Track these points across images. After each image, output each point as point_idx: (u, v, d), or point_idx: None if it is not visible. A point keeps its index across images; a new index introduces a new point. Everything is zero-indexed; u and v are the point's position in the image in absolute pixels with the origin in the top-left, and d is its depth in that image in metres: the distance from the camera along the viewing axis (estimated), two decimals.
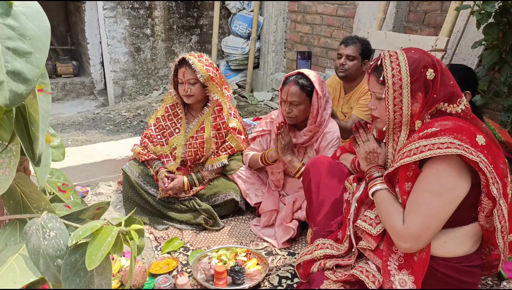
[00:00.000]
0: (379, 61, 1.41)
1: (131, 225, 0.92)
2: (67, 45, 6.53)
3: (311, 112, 2.04)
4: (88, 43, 5.65)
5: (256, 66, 5.58)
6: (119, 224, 0.89)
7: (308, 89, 2.01)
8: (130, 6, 5.09)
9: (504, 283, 1.56)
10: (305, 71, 2.06)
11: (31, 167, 1.01)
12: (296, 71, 2.07)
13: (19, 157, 0.82)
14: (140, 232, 0.92)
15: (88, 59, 5.81)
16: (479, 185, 1.29)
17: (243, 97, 5.28)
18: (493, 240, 1.38)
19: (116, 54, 5.18)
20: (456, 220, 1.32)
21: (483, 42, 2.35)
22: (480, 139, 1.28)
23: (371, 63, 1.46)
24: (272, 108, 4.91)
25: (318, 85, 2.02)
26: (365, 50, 2.54)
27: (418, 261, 1.31)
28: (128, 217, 0.92)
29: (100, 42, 5.50)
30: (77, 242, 0.82)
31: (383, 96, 1.38)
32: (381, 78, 1.37)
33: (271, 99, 5.17)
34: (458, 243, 1.35)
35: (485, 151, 1.26)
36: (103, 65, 5.69)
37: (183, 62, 2.24)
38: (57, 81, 5.86)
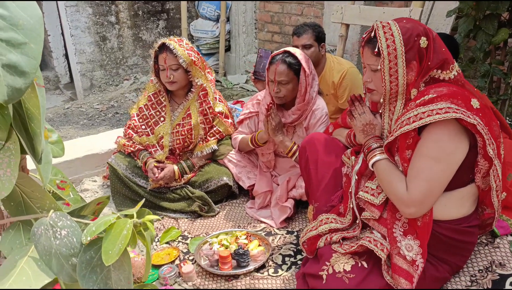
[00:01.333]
0: (372, 33, 1.41)
1: (145, 216, 0.90)
2: None
3: (299, 90, 2.04)
4: (49, 35, 5.37)
5: (228, 48, 5.50)
6: (131, 217, 0.87)
7: (295, 67, 1.99)
8: None
9: (498, 239, 1.64)
10: (291, 49, 2.04)
11: (29, 166, 0.96)
12: (282, 50, 2.05)
13: (19, 156, 0.78)
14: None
15: (50, 52, 5.53)
16: (475, 148, 1.34)
17: (218, 81, 5.21)
18: (487, 200, 1.45)
19: (81, 45, 4.96)
20: (455, 182, 1.36)
21: (457, 10, 2.41)
22: (475, 103, 1.32)
23: (364, 36, 1.46)
24: (248, 90, 4.88)
25: (305, 63, 2.01)
26: (319, 34, 2.51)
27: (422, 225, 1.36)
28: (138, 209, 0.90)
29: (62, 33, 5.23)
30: (91, 238, 0.80)
31: (379, 67, 1.39)
32: (376, 50, 1.38)
33: (246, 82, 5.13)
34: (458, 205, 1.41)
35: (480, 114, 1.30)
36: (67, 57, 5.43)
37: (163, 47, 2.17)
38: None
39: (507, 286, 1.43)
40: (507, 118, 2.50)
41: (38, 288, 0.74)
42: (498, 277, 1.48)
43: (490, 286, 1.46)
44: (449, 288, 1.50)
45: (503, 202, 1.63)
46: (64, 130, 3.87)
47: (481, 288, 1.46)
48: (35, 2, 0.67)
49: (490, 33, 2.28)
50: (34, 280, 0.77)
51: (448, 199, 1.39)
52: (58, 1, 4.81)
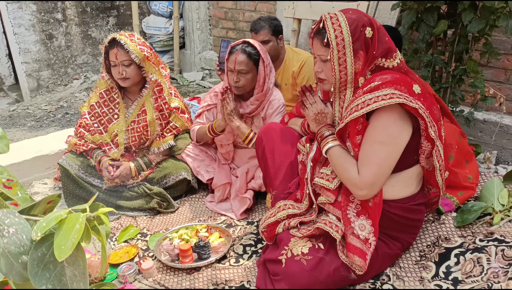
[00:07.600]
0: (321, 24, 1.46)
1: (99, 209, 0.89)
2: None
3: (258, 80, 2.06)
4: None
5: (182, 45, 5.43)
6: (84, 211, 0.85)
7: (255, 57, 2.02)
8: None
9: (443, 216, 1.76)
10: (250, 40, 2.07)
11: None
12: (241, 40, 2.07)
13: None
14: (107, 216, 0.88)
15: None
16: (418, 130, 1.43)
17: (173, 79, 5.13)
18: (432, 179, 1.55)
19: (25, 44, 4.69)
20: (401, 164, 1.45)
21: (401, 4, 2.54)
22: (416, 88, 1.41)
23: (313, 26, 1.51)
24: (204, 87, 4.85)
25: (263, 54, 2.05)
26: (275, 28, 2.53)
27: (373, 206, 1.43)
28: (92, 204, 0.88)
29: (4, 32, 4.93)
30: (42, 234, 0.77)
31: (328, 57, 1.45)
32: (325, 41, 1.43)
33: (202, 79, 5.09)
34: (405, 185, 1.50)
35: (422, 99, 1.39)
36: (10, 57, 5.12)
37: (114, 42, 2.11)
38: None
39: (452, 257, 1.54)
40: (449, 104, 2.66)
41: None
42: (444, 250, 1.59)
43: (437, 260, 1.56)
44: (400, 265, 1.59)
45: (446, 181, 1.75)
46: (10, 133, 3.65)
47: (429, 261, 1.56)
48: None
49: (431, 25, 2.41)
50: None
51: (396, 180, 1.47)
52: None
